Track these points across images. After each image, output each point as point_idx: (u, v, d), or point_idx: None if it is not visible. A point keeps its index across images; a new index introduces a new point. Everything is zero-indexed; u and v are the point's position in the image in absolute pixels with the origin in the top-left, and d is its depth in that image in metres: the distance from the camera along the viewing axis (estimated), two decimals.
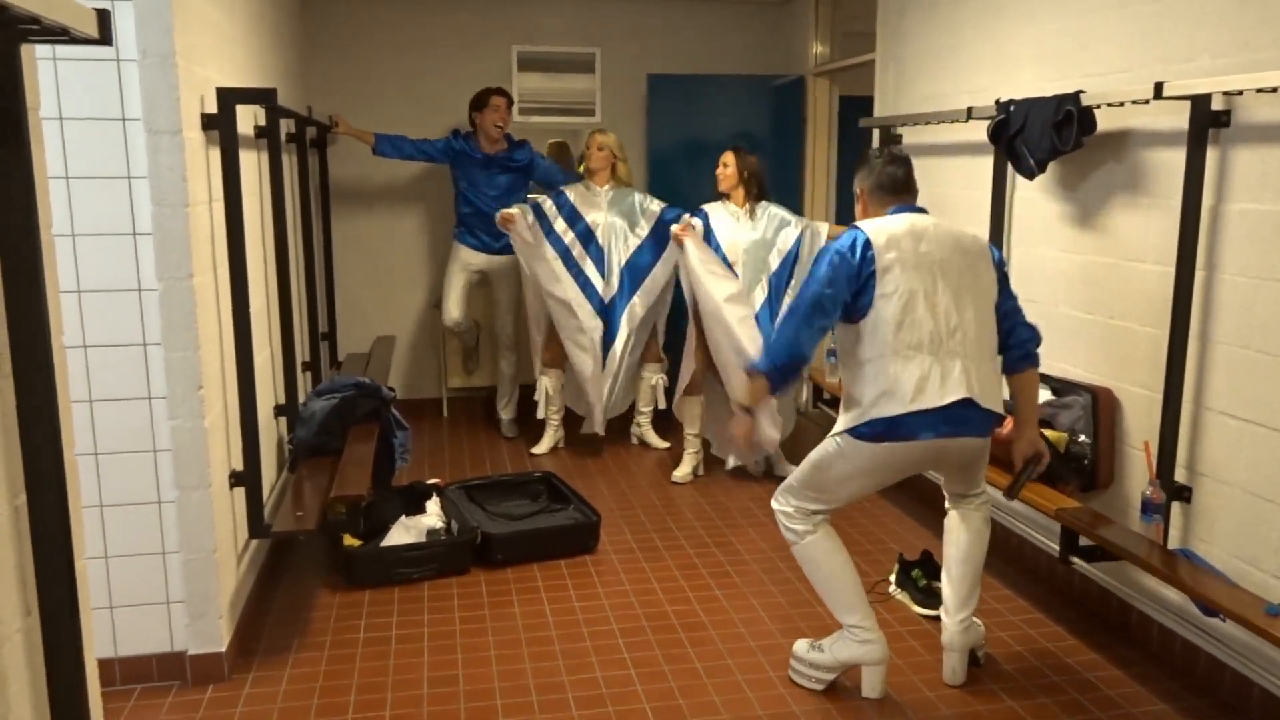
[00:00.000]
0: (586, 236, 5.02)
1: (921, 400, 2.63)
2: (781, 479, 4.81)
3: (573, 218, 5.03)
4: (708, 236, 4.65)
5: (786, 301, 4.58)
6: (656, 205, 5.09)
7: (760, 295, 4.60)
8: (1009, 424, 3.33)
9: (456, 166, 5.33)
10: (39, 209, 1.32)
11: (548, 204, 5.04)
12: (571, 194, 5.07)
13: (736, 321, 4.47)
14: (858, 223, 2.82)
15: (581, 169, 5.28)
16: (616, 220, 5.03)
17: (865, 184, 2.93)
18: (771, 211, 4.70)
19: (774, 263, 4.63)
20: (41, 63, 2.47)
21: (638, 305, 5.03)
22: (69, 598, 1.38)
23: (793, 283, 4.62)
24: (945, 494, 3.02)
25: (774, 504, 2.92)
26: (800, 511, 2.84)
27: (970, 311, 2.71)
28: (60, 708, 1.40)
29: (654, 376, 5.27)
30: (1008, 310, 2.85)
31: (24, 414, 1.32)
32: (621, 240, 5.03)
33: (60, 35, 1.34)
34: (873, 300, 2.67)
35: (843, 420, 2.78)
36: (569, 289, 4.95)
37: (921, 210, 2.87)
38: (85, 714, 1.43)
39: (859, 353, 2.71)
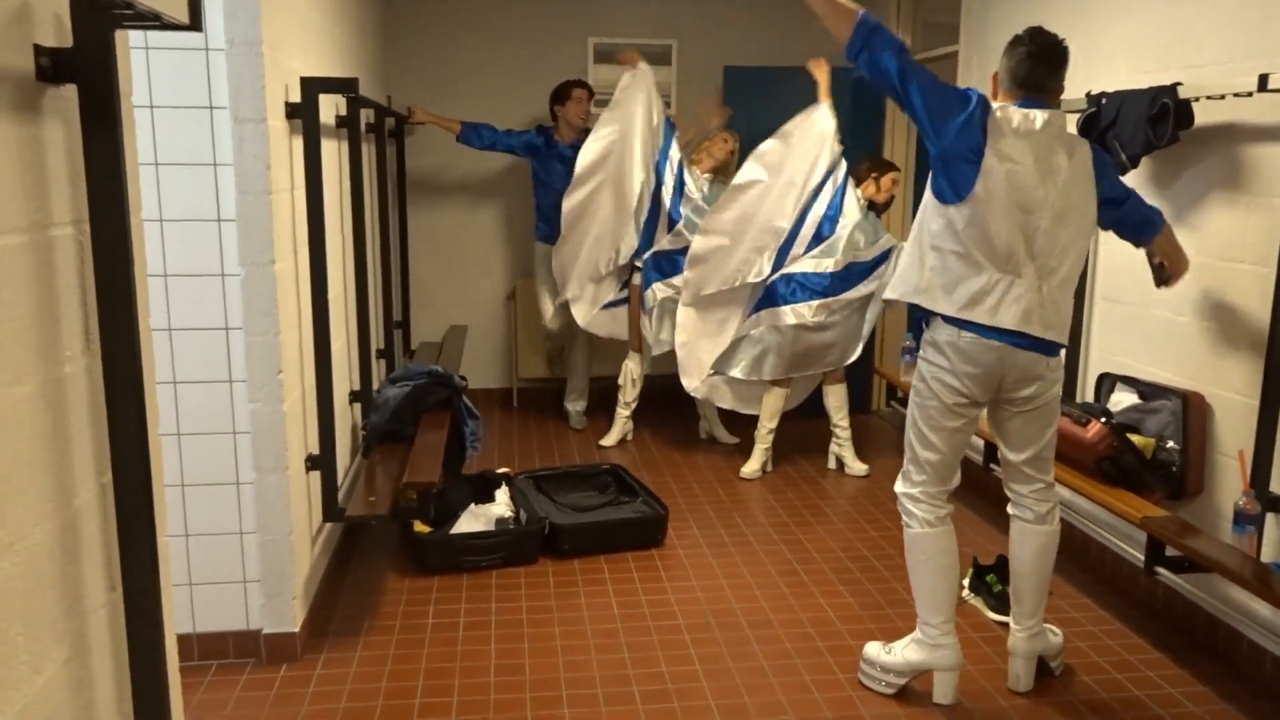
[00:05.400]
0: (679, 191, 5.01)
1: (971, 312, 2.57)
2: (854, 477, 4.77)
3: (680, 180, 5.02)
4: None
5: (862, 286, 4.57)
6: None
7: (830, 265, 4.57)
8: (1093, 427, 3.23)
9: (536, 160, 5.35)
10: (129, 194, 1.34)
11: (674, 150, 5.02)
12: (686, 169, 5.06)
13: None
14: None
15: (696, 155, 5.22)
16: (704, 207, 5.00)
17: (1003, 69, 2.67)
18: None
19: (866, 256, 4.59)
20: (135, 52, 2.53)
21: (660, 289, 5.02)
22: (151, 574, 1.40)
23: (870, 276, 4.56)
24: (1008, 492, 2.87)
25: (896, 487, 2.83)
26: (924, 492, 2.74)
27: (1068, 230, 2.57)
28: (140, 680, 1.43)
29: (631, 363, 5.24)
30: (1120, 198, 2.74)
31: (110, 394, 1.35)
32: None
33: (152, 21, 1.36)
34: (969, 192, 2.53)
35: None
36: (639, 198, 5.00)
37: (1053, 109, 2.63)
38: (164, 687, 1.46)
39: (933, 234, 2.62)
